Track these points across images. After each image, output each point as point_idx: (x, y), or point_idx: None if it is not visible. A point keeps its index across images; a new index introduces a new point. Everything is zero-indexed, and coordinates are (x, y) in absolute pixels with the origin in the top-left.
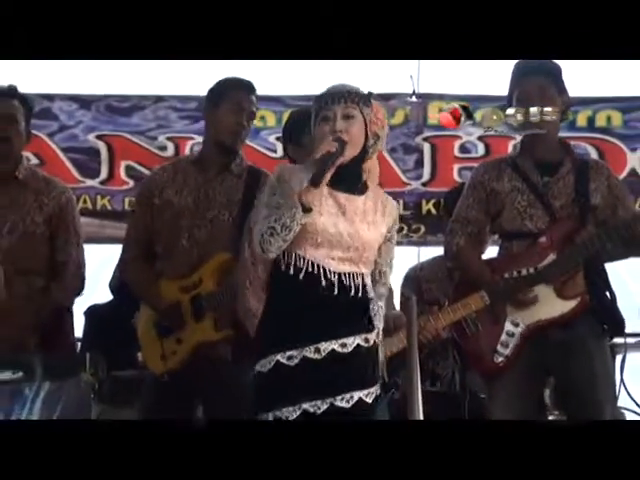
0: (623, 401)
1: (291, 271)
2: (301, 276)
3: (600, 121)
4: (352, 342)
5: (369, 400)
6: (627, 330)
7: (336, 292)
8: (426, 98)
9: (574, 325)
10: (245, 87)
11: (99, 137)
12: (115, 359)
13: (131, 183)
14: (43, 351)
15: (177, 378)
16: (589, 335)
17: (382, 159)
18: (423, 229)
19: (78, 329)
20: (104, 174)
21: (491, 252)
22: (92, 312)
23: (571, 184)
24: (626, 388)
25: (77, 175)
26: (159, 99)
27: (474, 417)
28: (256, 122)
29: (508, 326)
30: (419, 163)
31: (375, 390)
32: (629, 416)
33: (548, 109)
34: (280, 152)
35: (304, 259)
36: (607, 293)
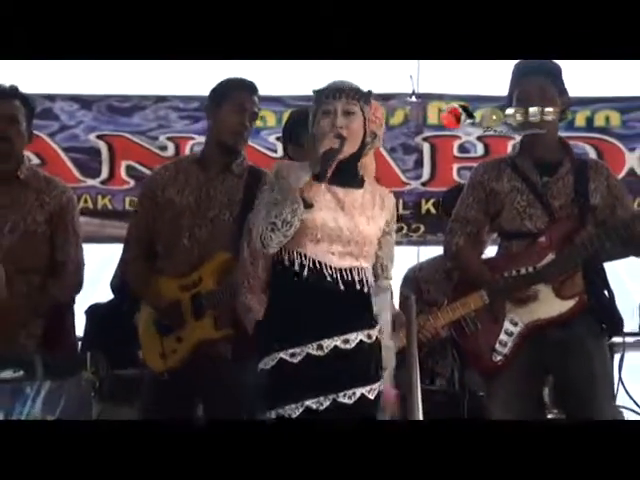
0: (622, 400)
1: (292, 268)
2: (302, 273)
3: (599, 121)
4: (355, 338)
5: (371, 396)
6: (625, 329)
7: (338, 288)
8: (426, 98)
9: (573, 324)
10: (248, 87)
11: (100, 137)
12: (116, 358)
13: (132, 183)
14: (44, 350)
15: (177, 376)
16: (588, 334)
17: (382, 159)
18: (423, 228)
19: (79, 328)
20: (105, 174)
21: (490, 252)
22: (93, 311)
23: (570, 184)
24: (624, 387)
25: (78, 175)
26: (160, 99)
27: (473, 415)
28: (256, 122)
29: (507, 325)
30: (419, 163)
31: (378, 386)
32: (627, 415)
33: (548, 109)
34: (280, 152)
35: (305, 256)
36: (605, 292)
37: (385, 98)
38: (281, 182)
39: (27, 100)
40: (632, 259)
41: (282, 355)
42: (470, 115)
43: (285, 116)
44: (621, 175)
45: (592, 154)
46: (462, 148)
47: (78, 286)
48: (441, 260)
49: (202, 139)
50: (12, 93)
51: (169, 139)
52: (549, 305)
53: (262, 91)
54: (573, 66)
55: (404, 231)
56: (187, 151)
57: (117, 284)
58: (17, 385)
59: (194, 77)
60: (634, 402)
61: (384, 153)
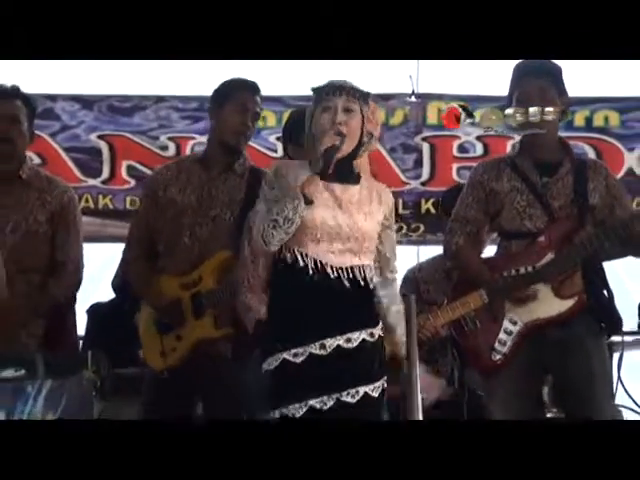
0: (621, 399)
1: (293, 268)
2: (303, 273)
3: (598, 121)
4: (357, 337)
5: (375, 394)
6: (624, 328)
7: (339, 287)
8: (425, 98)
9: (572, 323)
10: (250, 88)
11: (101, 137)
12: (117, 357)
13: (132, 182)
14: (45, 349)
15: (177, 375)
16: (587, 333)
17: (381, 159)
18: (422, 228)
19: (80, 327)
20: (106, 174)
21: (490, 251)
22: (94, 310)
23: (570, 184)
24: (624, 386)
25: (79, 174)
26: (160, 99)
27: (473, 414)
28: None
29: (506, 324)
30: (418, 163)
31: (381, 384)
32: (626, 414)
33: (548, 109)
34: (280, 152)
35: (306, 255)
36: (605, 292)
37: (385, 98)
38: (281, 180)
39: (29, 100)
40: (631, 258)
41: (285, 355)
42: (470, 115)
43: (285, 116)
44: (620, 175)
45: (591, 154)
46: (461, 148)
47: (77, 285)
48: (440, 260)
49: (203, 139)
50: (14, 93)
51: (170, 139)
52: (548, 305)
53: (262, 91)
54: (572, 66)
55: (404, 231)
56: (188, 151)
57: (118, 283)
58: (18, 384)
59: (195, 77)
60: (633, 401)
61: (384, 153)
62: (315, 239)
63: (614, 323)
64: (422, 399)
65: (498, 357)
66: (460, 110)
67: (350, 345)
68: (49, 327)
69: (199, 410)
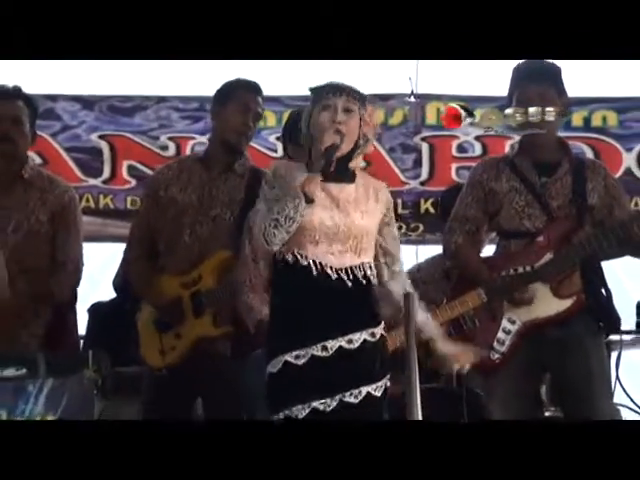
0: (619, 397)
1: (293, 270)
2: (303, 275)
3: (596, 121)
4: (359, 338)
5: (378, 394)
6: (623, 327)
7: (340, 288)
8: (424, 98)
9: (570, 323)
10: (252, 88)
11: (102, 137)
12: (118, 356)
13: (133, 182)
14: (46, 348)
15: (176, 373)
16: (585, 332)
17: (381, 158)
18: (421, 228)
19: (81, 326)
20: (106, 173)
21: (489, 251)
22: (95, 309)
23: (569, 185)
24: (622, 385)
25: (80, 174)
26: (161, 99)
27: (472, 413)
28: None
29: (505, 323)
30: (417, 162)
31: (383, 383)
32: (625, 412)
33: (548, 109)
34: (280, 152)
35: (306, 257)
36: (603, 291)
37: (384, 98)
38: (280, 180)
39: (30, 101)
40: (629, 258)
41: (287, 357)
42: (470, 114)
43: (285, 116)
44: (618, 175)
45: (589, 154)
46: (460, 148)
47: (76, 284)
48: (439, 260)
49: (203, 139)
50: (15, 94)
51: (170, 139)
52: (547, 304)
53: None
54: (570, 66)
55: (403, 230)
56: (188, 151)
57: (119, 283)
58: (20, 383)
59: (195, 77)
60: (631, 400)
61: (383, 153)
62: (314, 240)
63: (612, 322)
64: (456, 371)
65: (497, 356)
66: (460, 109)
67: (352, 346)
68: (50, 326)
69: (199, 409)
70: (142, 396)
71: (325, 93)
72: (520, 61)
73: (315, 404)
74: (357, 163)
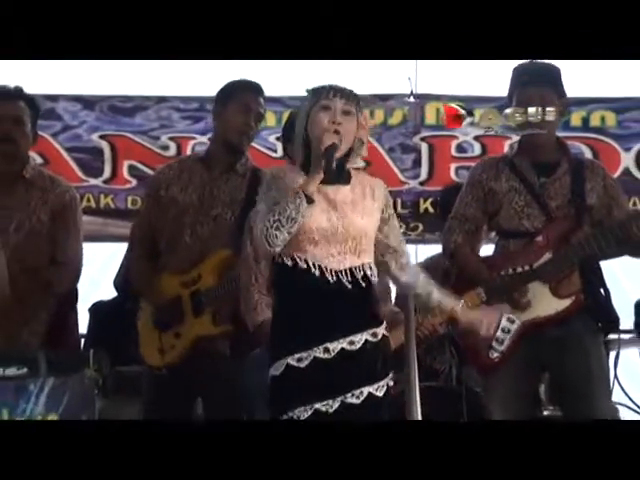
0: (617, 396)
1: (293, 273)
2: (303, 277)
3: (594, 121)
4: (360, 339)
5: (379, 394)
6: (621, 327)
7: (340, 290)
8: (424, 98)
9: (569, 322)
10: (254, 89)
11: (102, 137)
12: (119, 355)
13: (134, 182)
14: (47, 347)
15: (176, 372)
16: (584, 332)
17: (380, 159)
18: (421, 227)
19: (82, 326)
20: (107, 173)
21: (488, 250)
22: (96, 309)
23: (567, 185)
24: (620, 384)
25: (81, 174)
26: (162, 99)
27: (471, 412)
28: None
29: (504, 322)
30: (417, 162)
31: (385, 383)
32: (623, 411)
33: (548, 109)
34: (280, 152)
35: (305, 260)
36: (602, 291)
37: (383, 98)
38: (279, 182)
39: (32, 101)
40: (627, 258)
41: (289, 360)
42: (470, 113)
43: (285, 116)
44: (616, 175)
45: (588, 154)
46: (460, 148)
47: (75, 282)
48: (438, 260)
49: (204, 139)
50: (17, 94)
51: (171, 139)
52: (546, 304)
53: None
54: (569, 66)
55: (402, 230)
56: (188, 151)
57: (120, 282)
58: (21, 382)
59: (195, 77)
60: (629, 398)
61: (382, 153)
62: (313, 243)
63: (611, 322)
64: (482, 335)
65: (496, 355)
66: (460, 109)
67: (353, 347)
68: (51, 325)
69: (199, 409)
70: (143, 396)
71: (325, 94)
72: (520, 62)
73: (317, 405)
74: (352, 165)
